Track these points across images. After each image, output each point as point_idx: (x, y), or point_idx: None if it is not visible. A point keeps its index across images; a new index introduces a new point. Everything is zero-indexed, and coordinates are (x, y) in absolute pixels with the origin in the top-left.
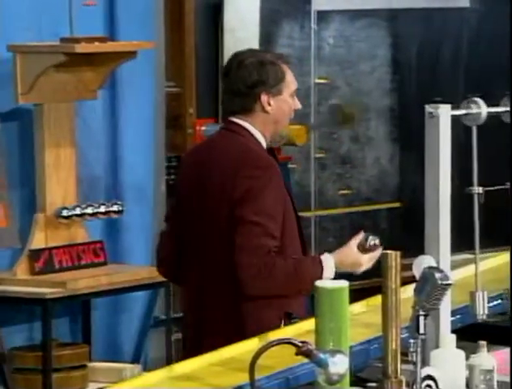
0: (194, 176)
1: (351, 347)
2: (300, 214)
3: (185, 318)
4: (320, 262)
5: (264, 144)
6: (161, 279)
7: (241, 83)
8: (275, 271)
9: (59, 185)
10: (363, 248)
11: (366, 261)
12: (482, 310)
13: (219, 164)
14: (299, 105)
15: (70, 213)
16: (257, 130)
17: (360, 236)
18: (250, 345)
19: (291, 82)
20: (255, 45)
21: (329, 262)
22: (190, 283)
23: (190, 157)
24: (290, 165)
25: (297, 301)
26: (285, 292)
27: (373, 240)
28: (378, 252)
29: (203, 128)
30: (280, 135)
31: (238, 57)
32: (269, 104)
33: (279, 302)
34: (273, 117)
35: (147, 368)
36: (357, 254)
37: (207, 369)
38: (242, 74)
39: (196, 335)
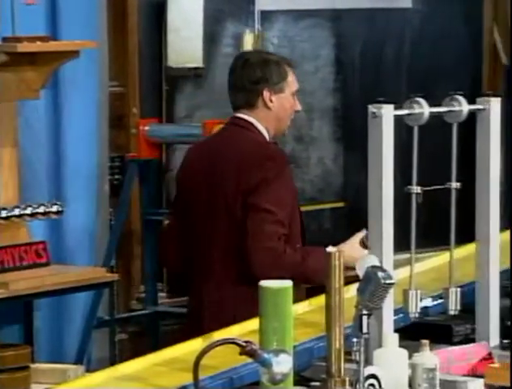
0: (204, 168)
1: (294, 346)
2: None
3: (188, 305)
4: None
5: (268, 139)
6: (105, 279)
7: (245, 79)
8: (284, 257)
9: (0, 186)
10: (364, 244)
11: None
12: (414, 309)
13: (233, 156)
14: (299, 107)
15: (9, 214)
16: (261, 125)
17: (362, 233)
18: (194, 345)
19: (292, 82)
20: (199, 45)
21: None
22: (197, 271)
23: (197, 151)
24: None
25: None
26: (292, 279)
27: None
28: None
29: (147, 128)
30: (282, 133)
31: (244, 56)
32: (271, 101)
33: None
34: (275, 114)
35: (90, 368)
36: (360, 249)
37: (151, 369)
38: (247, 71)
39: (197, 320)
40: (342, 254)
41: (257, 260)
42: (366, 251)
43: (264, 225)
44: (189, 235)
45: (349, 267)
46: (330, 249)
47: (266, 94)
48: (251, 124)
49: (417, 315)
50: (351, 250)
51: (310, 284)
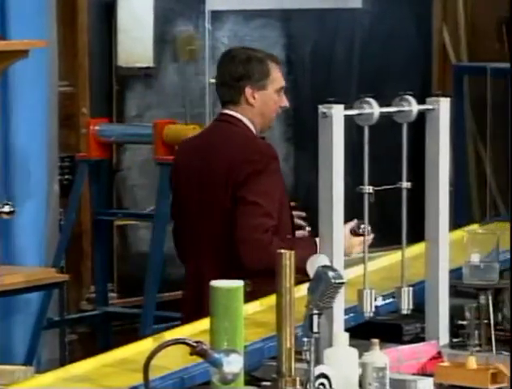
0: (195, 162)
1: (245, 346)
2: None
3: (184, 295)
4: (315, 243)
5: (255, 134)
6: (55, 280)
7: (228, 75)
8: (272, 248)
9: None
10: (355, 233)
11: (357, 244)
12: (369, 308)
13: (222, 152)
14: (286, 103)
15: None
16: (248, 120)
17: (353, 223)
18: (145, 345)
19: (276, 79)
20: (149, 45)
21: None
22: (190, 261)
23: (187, 148)
24: None
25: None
26: None
27: (365, 226)
28: (369, 238)
29: (97, 128)
30: (267, 128)
31: (231, 52)
32: (253, 98)
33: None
34: (258, 110)
35: (40, 370)
36: (350, 238)
37: (101, 370)
38: (230, 67)
39: (194, 310)
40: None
41: (245, 252)
42: (356, 238)
43: (251, 218)
44: (184, 230)
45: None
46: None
47: (248, 91)
48: (238, 119)
49: (372, 314)
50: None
51: (298, 274)
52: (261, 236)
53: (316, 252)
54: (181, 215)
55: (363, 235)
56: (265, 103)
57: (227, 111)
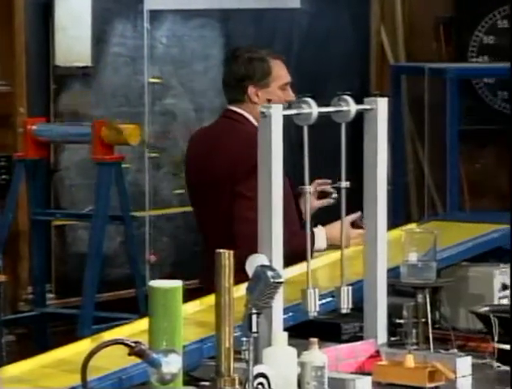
0: (202, 151)
1: (184, 346)
2: (134, 214)
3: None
4: (312, 233)
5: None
6: None
7: (231, 76)
8: None
9: None
10: (356, 225)
11: (354, 236)
12: (313, 307)
13: (223, 148)
14: (291, 97)
15: None
16: (253, 117)
17: (356, 215)
18: (83, 346)
19: (279, 76)
20: (87, 44)
21: (321, 233)
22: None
23: (198, 135)
24: (123, 165)
25: None
26: None
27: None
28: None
29: (34, 127)
30: None
31: (235, 52)
32: (257, 96)
33: None
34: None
35: None
36: (348, 229)
37: (39, 371)
38: (233, 68)
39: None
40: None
41: (242, 247)
42: (355, 230)
43: (247, 212)
44: (197, 213)
45: (333, 245)
46: (317, 229)
47: (251, 90)
48: (242, 116)
49: (316, 314)
50: (339, 228)
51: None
52: (256, 230)
53: (314, 243)
54: (192, 200)
55: (362, 228)
56: (269, 101)
57: (231, 107)
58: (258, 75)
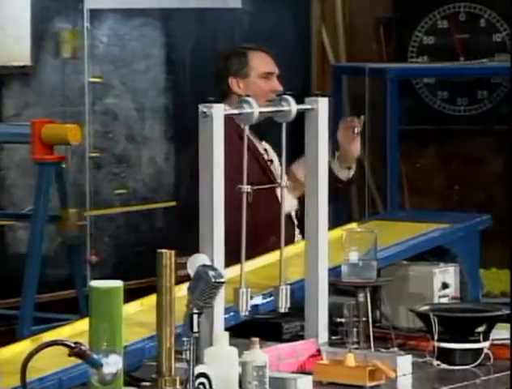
0: None
1: (125, 347)
2: None
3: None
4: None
5: None
6: None
7: (215, 72)
8: None
9: None
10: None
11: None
12: (245, 307)
13: None
14: (276, 87)
15: None
16: None
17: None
18: (22, 347)
19: (258, 65)
20: (27, 43)
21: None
22: None
23: None
24: (64, 165)
25: None
26: None
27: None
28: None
29: None
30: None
31: (219, 52)
32: (238, 86)
33: None
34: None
35: None
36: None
37: None
38: (215, 65)
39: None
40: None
41: None
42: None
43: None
44: None
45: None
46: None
47: (231, 81)
48: None
49: (247, 314)
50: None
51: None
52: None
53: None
54: None
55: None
56: (250, 89)
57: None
58: (236, 66)
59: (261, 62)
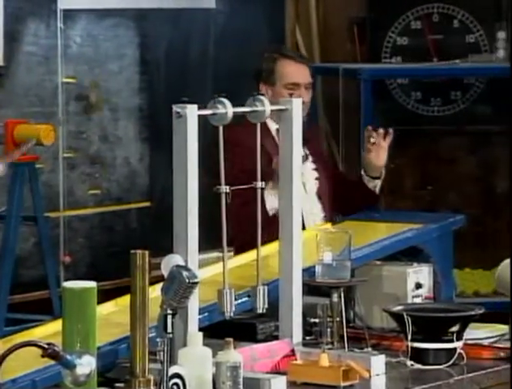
0: None
1: (98, 347)
2: (48, 214)
3: None
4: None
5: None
6: None
7: (253, 73)
8: None
9: None
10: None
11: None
12: (229, 308)
13: None
14: (303, 97)
15: None
16: None
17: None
18: None
19: (285, 75)
20: (0, 44)
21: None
22: None
23: None
24: (37, 165)
25: None
26: None
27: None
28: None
29: None
30: None
31: (261, 54)
32: (267, 93)
33: None
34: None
35: None
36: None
37: None
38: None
39: None
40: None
41: None
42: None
43: None
44: None
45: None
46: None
47: (262, 87)
48: None
49: (232, 314)
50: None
51: None
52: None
53: None
54: None
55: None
56: (276, 98)
57: None
58: (265, 73)
59: (288, 72)
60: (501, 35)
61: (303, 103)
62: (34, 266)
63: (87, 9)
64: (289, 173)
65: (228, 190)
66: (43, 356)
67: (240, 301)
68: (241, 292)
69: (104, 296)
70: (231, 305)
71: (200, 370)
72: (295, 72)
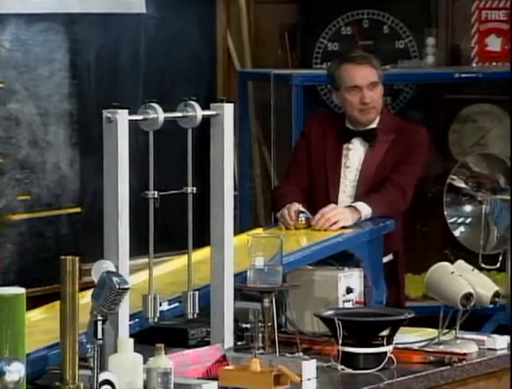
0: None
1: (28, 354)
2: None
3: None
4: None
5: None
6: None
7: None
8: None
9: None
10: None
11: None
12: (153, 313)
13: None
14: (363, 99)
15: None
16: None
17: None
18: None
19: (345, 79)
20: None
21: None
22: None
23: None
24: None
25: None
26: None
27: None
28: None
29: None
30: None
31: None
32: (336, 98)
33: None
34: (343, 109)
35: None
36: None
37: None
38: None
39: None
40: None
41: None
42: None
43: None
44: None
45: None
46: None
47: (333, 94)
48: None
49: (156, 320)
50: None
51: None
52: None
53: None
54: None
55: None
56: (341, 102)
57: None
58: (331, 78)
59: (347, 76)
60: (430, 41)
61: (367, 104)
62: None
63: (16, 13)
64: (221, 179)
65: (156, 196)
66: None
67: (171, 306)
68: (172, 297)
69: (34, 302)
70: (155, 311)
71: (131, 377)
72: (354, 75)
